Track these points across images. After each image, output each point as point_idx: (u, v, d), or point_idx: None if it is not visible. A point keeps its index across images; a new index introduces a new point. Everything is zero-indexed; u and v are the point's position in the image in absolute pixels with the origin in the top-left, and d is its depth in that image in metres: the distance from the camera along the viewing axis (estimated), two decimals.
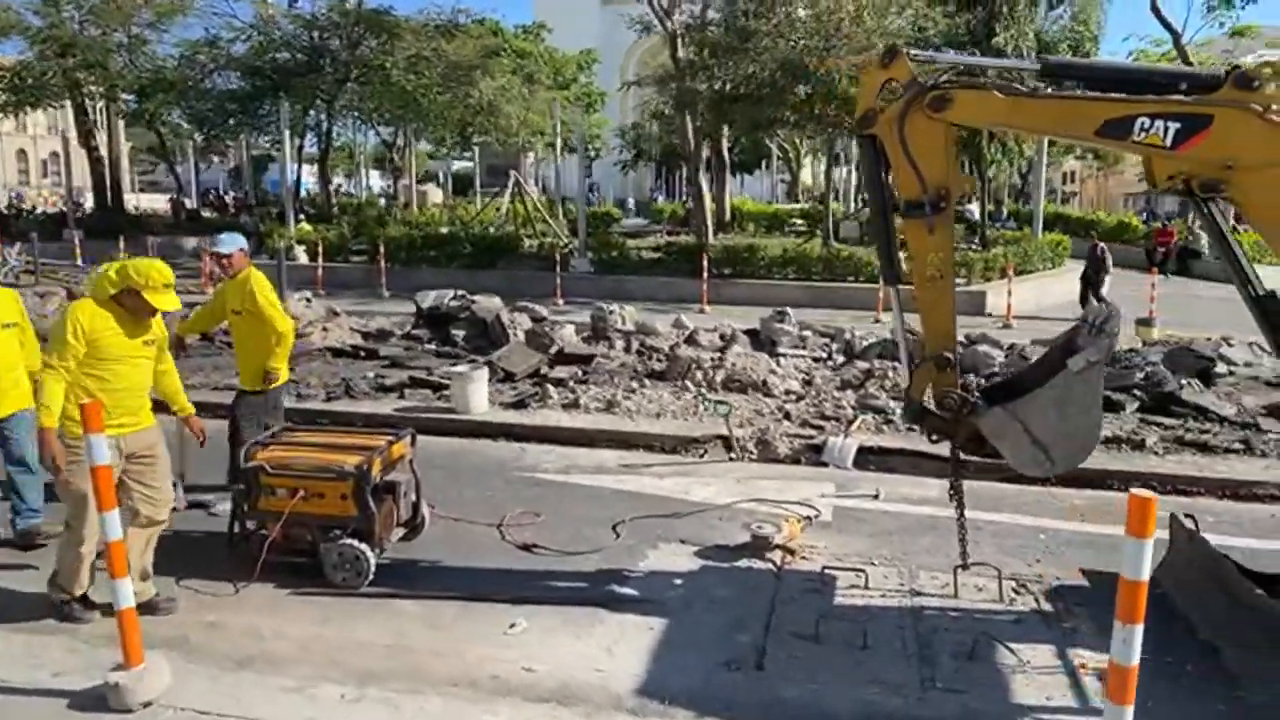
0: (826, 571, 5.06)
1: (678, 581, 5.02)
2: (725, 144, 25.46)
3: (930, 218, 4.44)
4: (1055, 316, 17.03)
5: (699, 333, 12.36)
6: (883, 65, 4.47)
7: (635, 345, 12.04)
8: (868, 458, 7.70)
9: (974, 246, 22.10)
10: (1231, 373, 10.24)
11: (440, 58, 25.68)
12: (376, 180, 61.58)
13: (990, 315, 17.48)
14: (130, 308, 4.37)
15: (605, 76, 45.08)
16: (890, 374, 9.94)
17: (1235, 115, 4.00)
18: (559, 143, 32.21)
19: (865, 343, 11.79)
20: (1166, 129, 4.08)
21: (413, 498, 5.32)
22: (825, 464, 7.61)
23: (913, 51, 4.47)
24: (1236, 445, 7.79)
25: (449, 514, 5.75)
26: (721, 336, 12.27)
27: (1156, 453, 7.72)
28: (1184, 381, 9.59)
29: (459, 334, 12.62)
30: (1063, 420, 4.32)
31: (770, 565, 5.23)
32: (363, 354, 11.79)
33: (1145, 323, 14.67)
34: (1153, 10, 31.12)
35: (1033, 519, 6.15)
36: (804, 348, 11.89)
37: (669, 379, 10.23)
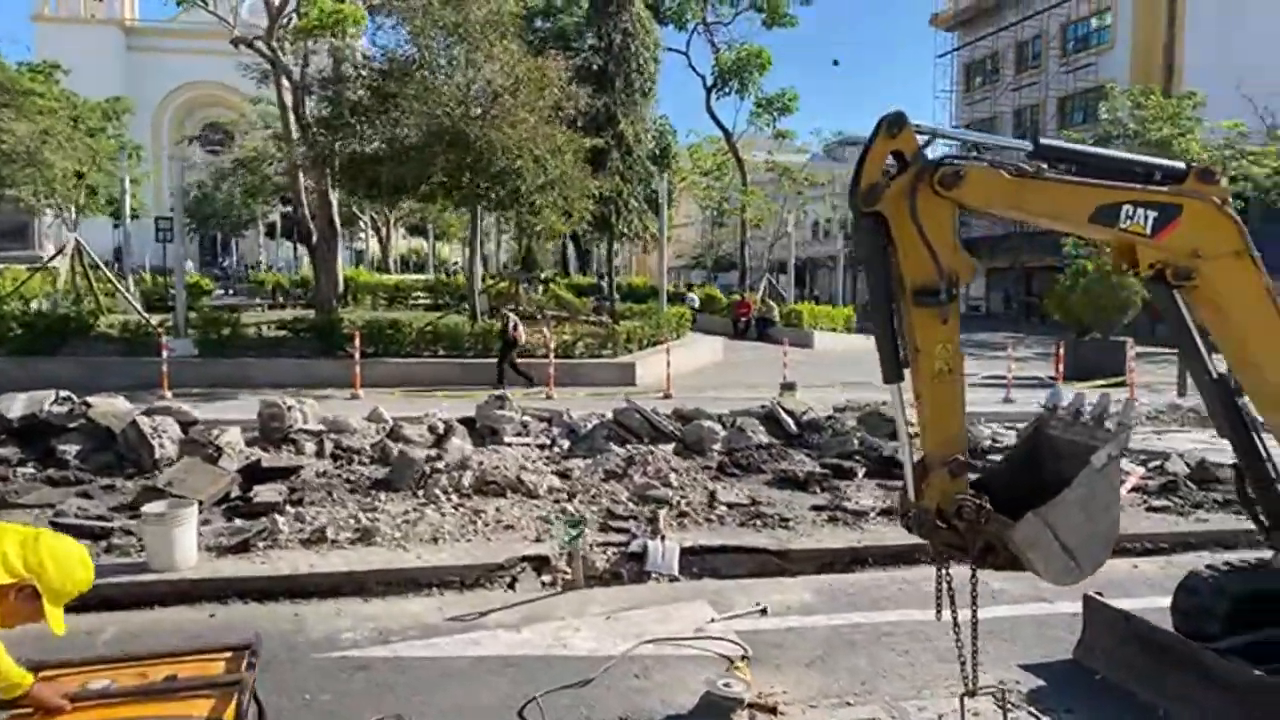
0: None
1: None
2: (336, 210, 23.34)
3: (945, 306, 3.94)
4: (711, 385, 17.99)
5: (403, 426, 10.67)
6: (889, 135, 3.91)
7: (330, 447, 9.99)
8: (689, 559, 7.01)
9: (603, 320, 22.81)
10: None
11: None
12: None
13: (637, 386, 17.87)
14: None
15: (137, 130, 39.35)
16: (649, 459, 9.37)
17: (1199, 206, 4.13)
18: (128, 201, 26.96)
19: (587, 425, 11.10)
20: (1147, 217, 4.08)
21: None
22: (649, 575, 6.75)
23: (916, 123, 3.97)
24: None
25: None
26: (431, 429, 10.72)
27: None
28: (890, 444, 10.43)
29: (69, 450, 9.38)
30: (1089, 521, 4.04)
31: None
32: None
33: (789, 387, 16.05)
34: (707, 111, 35.77)
35: (920, 611, 5.90)
36: (527, 434, 10.84)
37: (400, 488, 8.54)
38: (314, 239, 19.49)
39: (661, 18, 30.47)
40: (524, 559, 6.74)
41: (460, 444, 10.21)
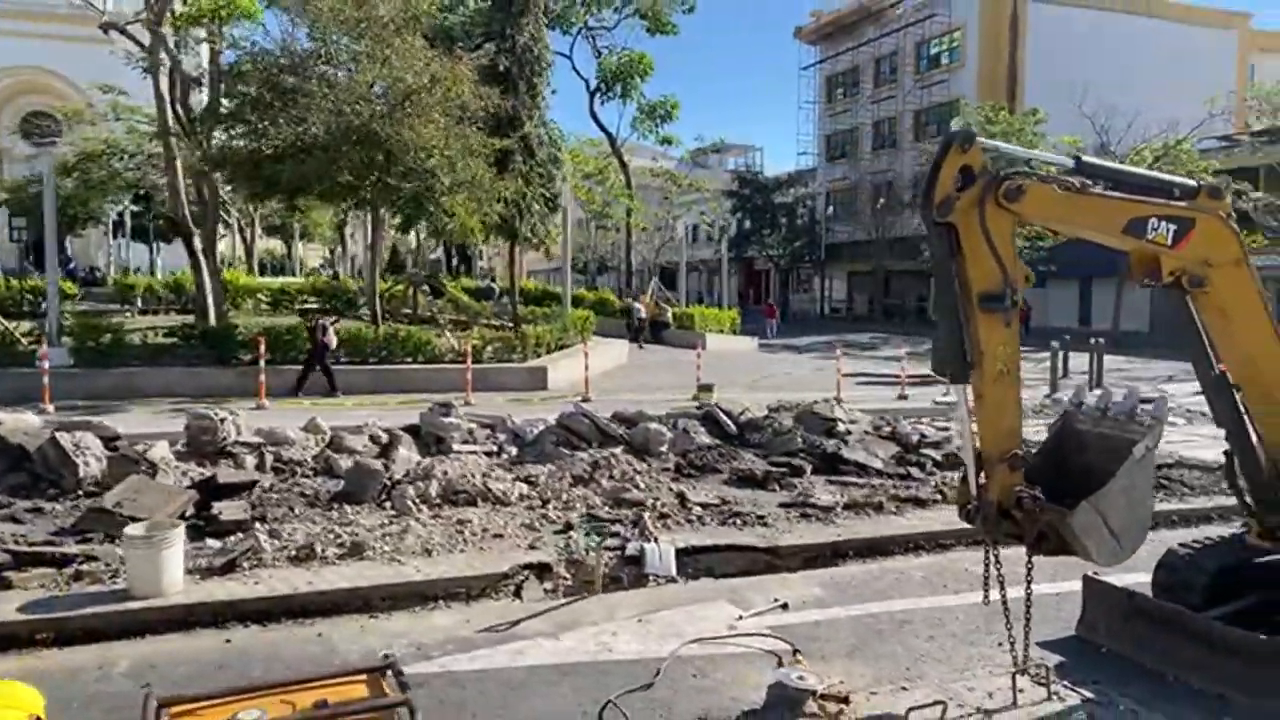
0: (911, 712, 4.42)
1: None
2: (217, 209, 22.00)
3: (1009, 311, 4.24)
4: (624, 387, 18.10)
5: (344, 437, 10.26)
6: (961, 150, 4.18)
7: (270, 460, 9.49)
8: (683, 560, 7.12)
9: (506, 324, 22.56)
10: (849, 431, 11.92)
11: None
12: None
13: (549, 390, 17.79)
14: None
15: None
16: (613, 462, 9.41)
17: (1209, 220, 4.62)
18: None
19: (533, 430, 11.00)
20: (1168, 230, 4.52)
21: None
22: (647, 577, 6.83)
23: (982, 140, 4.25)
24: (936, 496, 9.04)
25: None
26: (374, 439, 10.36)
27: (893, 511, 8.56)
28: (829, 441, 10.88)
29: None
30: (1130, 507, 4.44)
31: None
32: None
33: (706, 388, 16.39)
34: (591, 115, 35.93)
35: (923, 599, 6.24)
36: (474, 442, 10.64)
37: (363, 501, 8.25)
38: (194, 240, 18.31)
39: (546, 21, 30.40)
40: (526, 566, 6.67)
41: (408, 454, 9.94)
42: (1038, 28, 45.36)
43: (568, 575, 6.78)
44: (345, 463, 9.33)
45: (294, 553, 6.62)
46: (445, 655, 5.08)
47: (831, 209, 56.55)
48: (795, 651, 5.14)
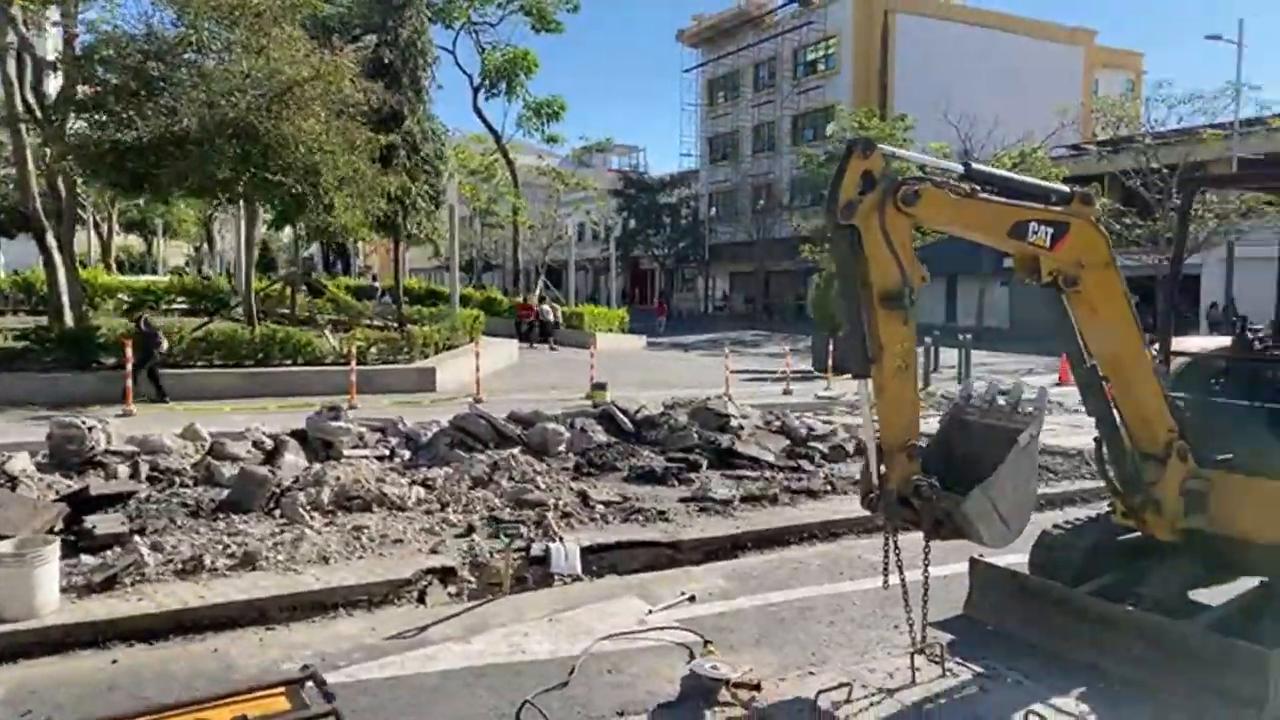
0: (820, 695, 4.58)
1: None
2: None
3: (908, 309, 4.46)
4: (517, 387, 17.94)
5: (224, 443, 9.80)
6: (863, 156, 4.37)
7: (145, 470, 8.97)
8: (587, 558, 7.16)
9: (390, 324, 22.02)
10: (741, 426, 12.19)
11: None
12: None
13: (439, 391, 17.47)
14: None
15: None
16: (513, 463, 9.34)
17: (1082, 224, 4.98)
18: None
19: (427, 433, 10.80)
20: (1047, 233, 4.86)
21: None
22: (553, 577, 6.83)
23: (882, 146, 4.46)
24: (827, 487, 9.38)
25: None
26: (257, 445, 9.95)
27: (788, 503, 8.84)
28: (724, 437, 11.12)
29: None
30: (1016, 492, 4.73)
31: (739, 709, 4.51)
32: None
33: (600, 387, 16.45)
34: (475, 111, 35.45)
35: (821, 586, 6.48)
36: (364, 446, 10.34)
37: (251, 509, 7.91)
38: (46, 236, 17.02)
39: (429, 15, 29.78)
40: (429, 571, 6.55)
41: (295, 459, 9.59)
42: (906, 38, 47.56)
43: (472, 578, 6.71)
44: (229, 470, 8.92)
45: (180, 566, 6.30)
46: (353, 664, 4.94)
47: (714, 210, 57.69)
48: (706, 643, 5.25)
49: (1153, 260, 28.17)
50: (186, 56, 15.76)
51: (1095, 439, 5.53)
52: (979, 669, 5.04)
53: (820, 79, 49.93)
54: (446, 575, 6.60)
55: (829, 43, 49.47)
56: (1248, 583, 5.82)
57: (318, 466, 8.93)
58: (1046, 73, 47.54)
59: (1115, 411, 5.30)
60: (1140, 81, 52.17)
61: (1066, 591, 5.59)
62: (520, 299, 30.70)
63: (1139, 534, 5.78)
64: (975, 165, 4.87)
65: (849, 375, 18.89)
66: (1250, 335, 6.10)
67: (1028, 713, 4.44)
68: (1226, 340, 6.36)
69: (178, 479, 8.95)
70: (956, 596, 5.97)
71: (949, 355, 22.62)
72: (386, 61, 18.95)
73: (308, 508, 7.84)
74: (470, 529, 7.53)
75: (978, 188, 4.71)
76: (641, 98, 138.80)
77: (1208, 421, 5.57)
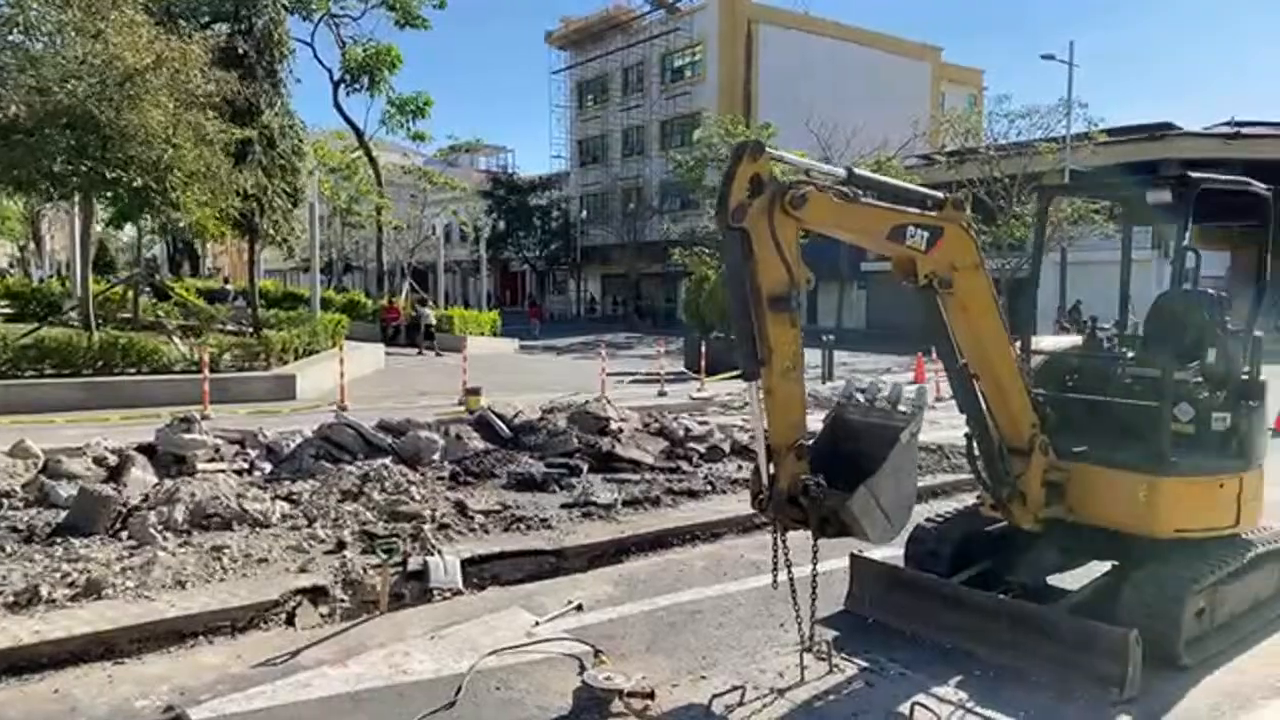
0: (714, 699, 4.55)
1: None
2: None
3: (795, 311, 4.50)
4: (384, 394, 17.29)
5: (60, 460, 8.96)
6: (752, 160, 4.37)
7: None
8: (468, 570, 6.92)
9: (245, 328, 20.88)
10: (621, 429, 12.13)
11: None
12: None
13: (299, 399, 16.66)
14: None
15: None
16: (385, 474, 8.94)
17: (954, 228, 5.17)
18: None
19: (290, 444, 10.22)
20: (923, 236, 5.02)
21: None
22: (432, 592, 6.56)
23: (769, 150, 4.47)
24: (707, 488, 9.44)
25: None
26: (99, 461, 9.15)
27: (670, 505, 8.84)
28: (604, 440, 11.04)
29: None
30: (898, 488, 4.85)
31: (634, 719, 4.43)
32: None
33: (473, 392, 16.06)
34: (336, 107, 34.15)
35: (709, 588, 6.49)
36: (222, 459, 9.68)
37: (93, 531, 7.26)
38: None
39: (286, 4, 28.43)
40: (298, 591, 6.16)
41: (143, 476, 8.88)
42: (769, 48, 49.01)
43: (346, 597, 6.34)
44: (66, 490, 8.17)
45: (11, 598, 5.67)
46: (218, 698, 4.56)
47: (585, 212, 57.70)
48: (597, 653, 5.14)
49: (996, 264, 30.04)
50: (12, 38, 14.41)
51: (966, 434, 5.77)
52: (864, 663, 5.14)
53: (687, 85, 50.79)
54: (318, 595, 6.22)
55: (695, 50, 50.39)
56: (1102, 567, 6.21)
57: (169, 483, 8.29)
58: (899, 86, 50.04)
59: (985, 408, 5.54)
60: (981, 97, 55.77)
61: (940, 583, 5.80)
62: (386, 302, 29.69)
63: (1005, 524, 6.07)
64: (857, 171, 4.97)
65: (721, 376, 19.16)
66: (1100, 334, 6.52)
67: (913, 704, 4.55)
68: (1079, 339, 6.78)
69: (5, 501, 8.12)
70: (837, 593, 6.09)
71: (812, 356, 23.34)
72: (240, 52, 17.90)
73: (159, 528, 7.25)
74: (341, 545, 7.14)
75: (859, 192, 4.81)
76: (509, 98, 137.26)
77: (1064, 416, 5.90)
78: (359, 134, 34.57)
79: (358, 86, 33.04)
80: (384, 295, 31.94)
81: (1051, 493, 5.68)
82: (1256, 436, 5.81)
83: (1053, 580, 6.25)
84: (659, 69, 52.66)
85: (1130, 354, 6.30)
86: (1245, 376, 5.87)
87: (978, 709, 4.61)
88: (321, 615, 6.13)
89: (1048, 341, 7.09)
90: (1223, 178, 5.94)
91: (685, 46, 50.86)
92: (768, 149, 4.47)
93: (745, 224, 4.36)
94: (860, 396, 5.32)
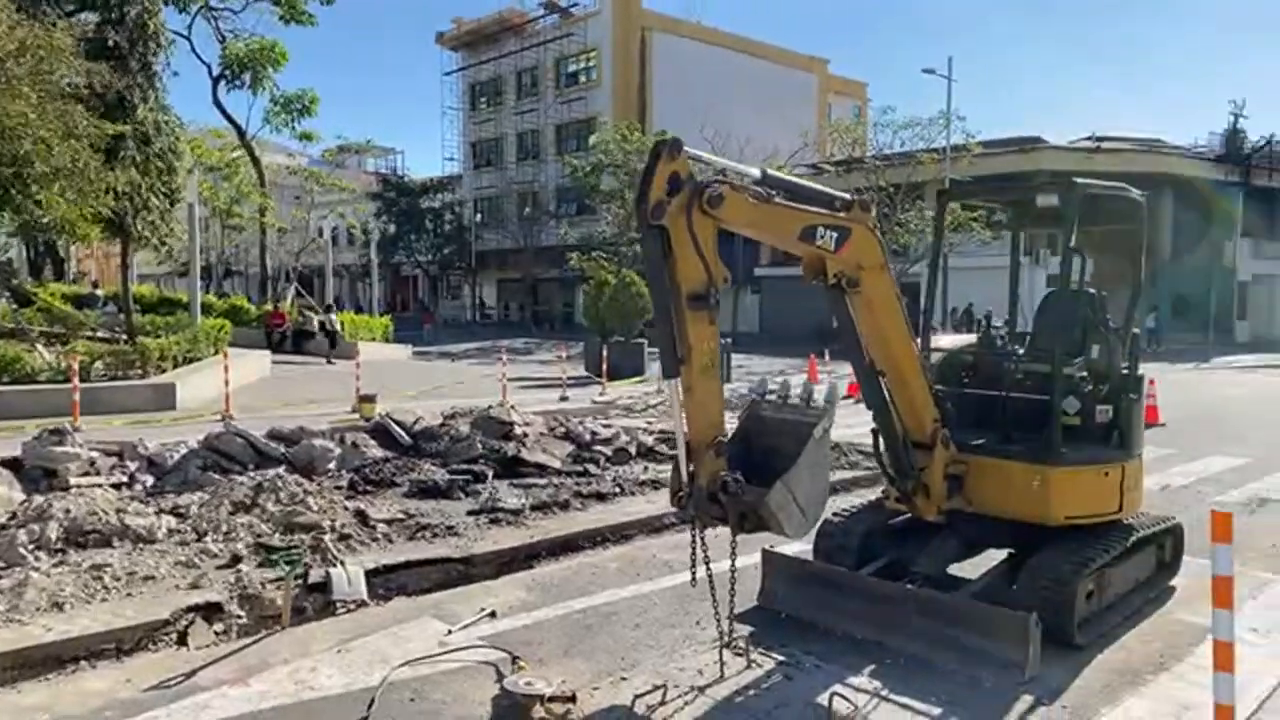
0: (636, 700, 4.50)
1: None
2: None
3: (713, 309, 4.52)
4: (272, 403, 16.56)
5: None
6: (671, 158, 4.37)
7: None
8: (373, 581, 6.68)
9: (117, 335, 19.69)
10: (525, 433, 11.95)
11: None
12: None
13: (179, 409, 15.79)
14: None
15: None
16: (280, 484, 8.53)
17: (861, 230, 5.31)
18: None
19: (173, 455, 9.66)
20: (832, 237, 5.14)
21: None
22: (336, 604, 6.30)
23: (687, 149, 4.47)
24: (615, 490, 9.41)
25: None
26: None
27: (579, 508, 8.76)
28: (508, 445, 10.87)
29: None
30: (813, 482, 4.93)
31: None
32: None
33: (368, 399, 15.57)
34: (215, 104, 32.65)
35: (623, 589, 6.45)
36: (98, 473, 9.06)
37: None
38: None
39: None
40: (190, 609, 5.81)
41: (7, 493, 8.26)
42: (663, 56, 49.55)
43: (243, 613, 6.01)
44: None
45: None
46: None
47: (480, 216, 56.91)
48: (515, 659, 5.03)
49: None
50: None
51: (873, 430, 5.92)
52: (781, 657, 5.20)
53: (582, 90, 50.81)
54: (212, 612, 5.88)
55: (590, 55, 50.48)
56: (999, 555, 6.48)
57: (40, 499, 7.70)
58: (788, 96, 51.41)
59: (890, 404, 5.70)
60: (865, 108, 57.84)
61: (850, 575, 5.94)
62: (271, 307, 28.50)
63: (908, 516, 6.27)
64: (770, 171, 5.04)
65: (623, 380, 19.22)
66: (993, 333, 6.82)
67: (831, 694, 4.63)
68: (973, 338, 7.08)
69: None
70: (751, 589, 6.15)
71: None
72: (111, 43, 16.83)
73: (30, 547, 6.72)
74: (236, 559, 6.78)
75: (772, 192, 4.88)
76: (400, 100, 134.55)
77: (962, 411, 6.14)
78: (240, 132, 33.07)
79: (239, 83, 31.62)
80: (269, 300, 30.65)
81: (952, 485, 5.89)
82: (1136, 428, 6.18)
83: (953, 570, 6.47)
84: (554, 73, 52.49)
85: (1021, 351, 6.61)
86: (1125, 371, 6.25)
87: (892, 697, 4.72)
88: (217, 633, 5.80)
89: (945, 340, 7.36)
90: (1104, 183, 6.31)
91: (580, 52, 50.89)
92: (686, 148, 4.48)
93: (664, 221, 4.35)
94: (773, 394, 5.39)
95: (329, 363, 24.37)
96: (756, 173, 4.95)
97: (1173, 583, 6.63)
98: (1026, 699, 4.73)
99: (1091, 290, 6.48)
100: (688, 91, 45.03)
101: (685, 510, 4.76)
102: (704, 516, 4.75)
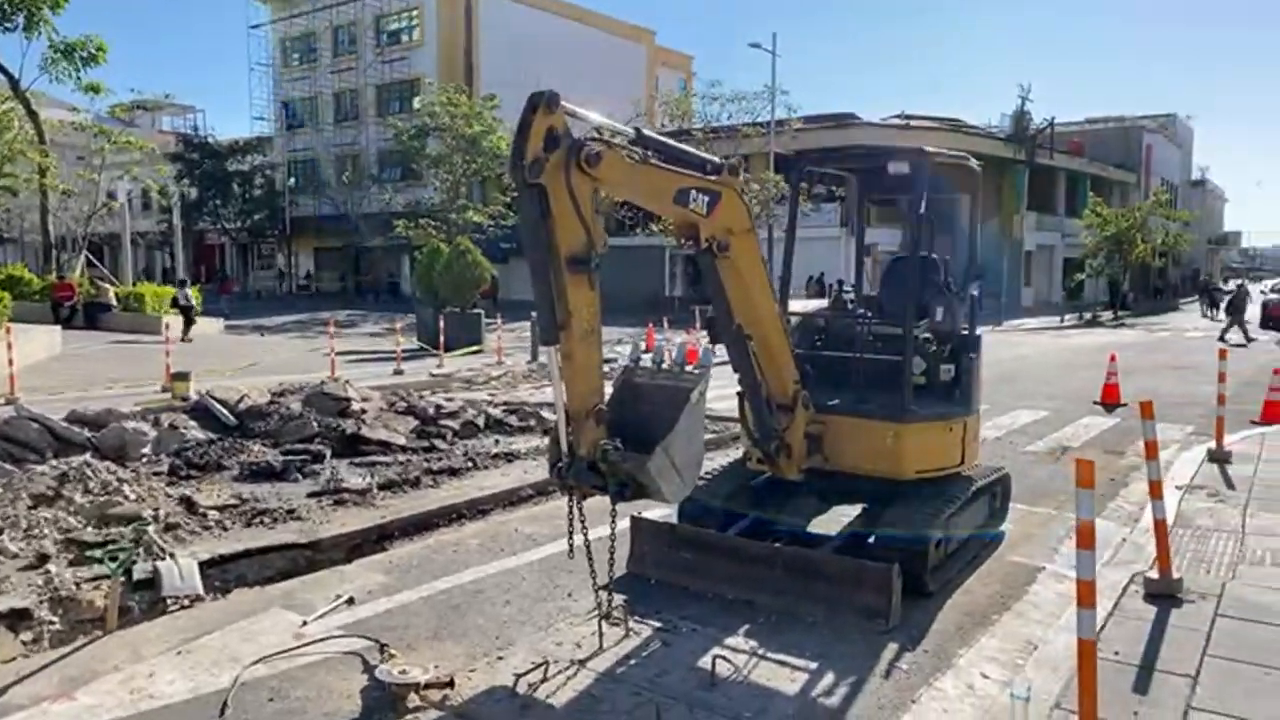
0: (517, 679, 4.32)
1: None
2: None
3: (593, 273, 4.36)
4: (68, 383, 14.89)
5: None
6: (548, 111, 4.14)
7: None
8: (209, 573, 6.13)
9: None
10: (364, 410, 11.28)
11: None
12: None
13: None
14: None
15: None
16: (89, 472, 7.63)
17: (730, 194, 5.29)
18: None
19: None
20: (704, 201, 5.09)
21: None
22: (167, 601, 5.74)
23: (564, 103, 4.24)
24: (468, 464, 9.09)
25: None
26: None
27: (431, 485, 8.40)
28: (346, 422, 10.27)
29: None
30: (689, 446, 4.89)
31: (434, 711, 4.11)
32: None
33: (181, 377, 14.29)
34: None
35: (488, 566, 6.23)
36: None
37: None
38: None
39: None
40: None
41: None
42: (490, 19, 48.10)
43: (55, 618, 5.34)
44: None
45: None
46: None
47: (294, 180, 53.45)
48: (382, 647, 4.72)
49: None
50: None
51: (738, 393, 5.98)
52: (658, 624, 5.18)
53: (404, 50, 48.62)
54: (17, 620, 5.18)
55: (412, 14, 48.31)
56: (854, 510, 6.74)
57: None
58: (618, 66, 51.32)
59: (755, 366, 5.75)
60: (692, 81, 58.76)
61: (718, 536, 6.01)
62: (56, 278, 25.64)
63: (768, 476, 6.39)
64: (645, 131, 4.91)
65: (460, 351, 18.65)
66: (845, 297, 7.04)
67: (714, 658, 4.64)
68: (825, 303, 7.29)
69: None
70: (622, 556, 6.08)
71: None
72: None
73: None
74: (43, 558, 6.00)
75: (648, 153, 4.76)
76: (201, 54, 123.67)
77: (817, 372, 6.31)
78: (13, 82, 29.28)
79: (9, 25, 27.92)
80: (53, 270, 27.55)
81: (812, 444, 6.06)
82: (974, 385, 6.57)
83: (812, 527, 6.68)
84: (373, 30, 49.85)
85: (870, 314, 6.87)
86: (965, 332, 6.62)
87: (770, 655, 4.79)
88: (25, 643, 5.12)
89: (797, 304, 7.54)
90: (950, 152, 6.62)
91: (400, 10, 48.58)
92: (563, 103, 4.26)
93: (542, 179, 4.14)
94: (647, 360, 5.31)
95: (185, 340, 22.03)
96: (631, 131, 4.81)
97: (1001, 527, 7.14)
98: (892, 646, 4.94)
99: (934, 256, 6.80)
100: (518, 55, 43.96)
101: (564, 480, 4.60)
102: (585, 486, 4.61)
